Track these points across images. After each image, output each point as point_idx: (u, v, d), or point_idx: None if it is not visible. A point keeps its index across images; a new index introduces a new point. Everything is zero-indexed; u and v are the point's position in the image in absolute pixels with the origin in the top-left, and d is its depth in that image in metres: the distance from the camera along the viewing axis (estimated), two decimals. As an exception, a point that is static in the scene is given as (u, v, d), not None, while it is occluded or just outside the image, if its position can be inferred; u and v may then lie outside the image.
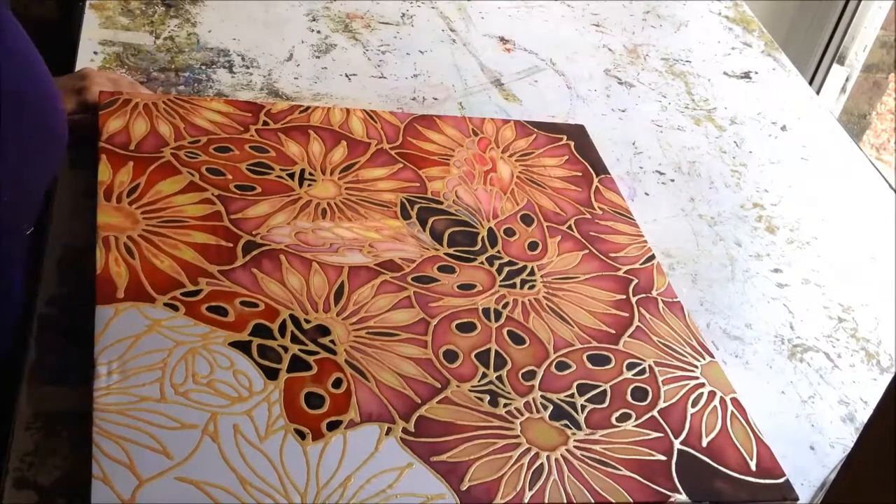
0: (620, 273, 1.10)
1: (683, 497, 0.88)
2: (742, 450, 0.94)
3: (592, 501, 0.86)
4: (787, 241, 1.27)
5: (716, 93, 1.52)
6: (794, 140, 1.46)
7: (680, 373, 1.00)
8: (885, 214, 1.36)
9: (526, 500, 0.85)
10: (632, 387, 0.97)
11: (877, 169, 1.45)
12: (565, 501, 0.85)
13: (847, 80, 2.33)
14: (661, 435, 0.93)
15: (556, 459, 0.89)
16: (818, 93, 2.23)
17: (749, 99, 1.52)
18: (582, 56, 1.52)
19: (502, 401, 0.93)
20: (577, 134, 1.30)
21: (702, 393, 0.99)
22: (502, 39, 1.51)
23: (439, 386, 0.92)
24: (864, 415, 1.06)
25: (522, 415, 0.92)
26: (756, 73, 1.59)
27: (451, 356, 0.96)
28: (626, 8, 1.68)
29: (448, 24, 1.51)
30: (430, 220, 1.10)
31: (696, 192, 1.30)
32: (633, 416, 0.95)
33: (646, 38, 1.61)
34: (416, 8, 1.53)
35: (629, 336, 1.03)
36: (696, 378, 1.00)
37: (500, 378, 0.95)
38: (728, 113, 1.48)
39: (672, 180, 1.31)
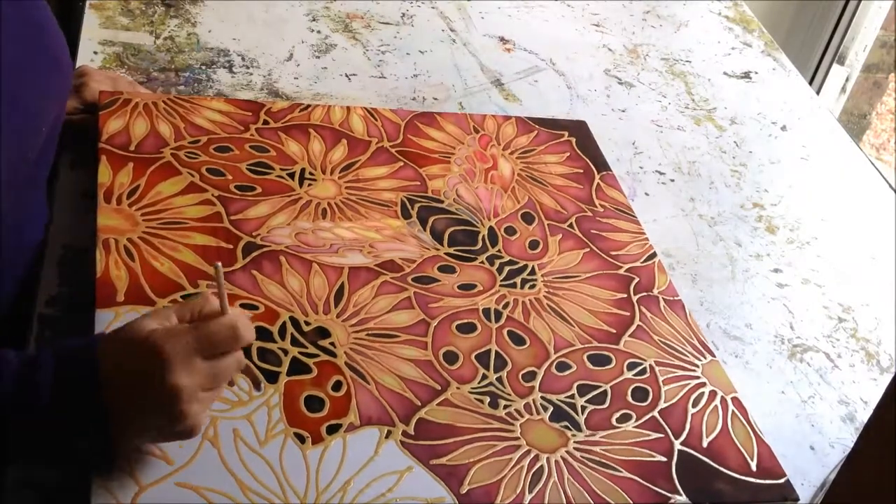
0: (621, 271, 1.10)
1: (683, 498, 0.88)
2: (743, 450, 0.94)
3: (592, 503, 0.86)
4: (787, 241, 1.27)
5: (716, 93, 1.51)
6: (794, 140, 1.46)
7: (681, 372, 1.00)
8: (885, 214, 1.36)
9: (525, 503, 0.85)
10: (632, 387, 0.97)
11: (877, 169, 1.44)
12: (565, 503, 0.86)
13: (847, 80, 2.33)
14: (661, 436, 0.93)
15: (556, 461, 0.89)
16: (818, 93, 2.23)
17: (749, 99, 1.52)
18: (582, 56, 1.52)
19: (502, 402, 0.93)
20: (579, 130, 1.30)
21: (703, 392, 0.99)
22: (502, 39, 1.51)
23: (439, 388, 0.92)
24: (864, 415, 1.06)
25: (522, 416, 0.92)
26: (756, 73, 1.59)
27: (451, 357, 0.96)
28: (626, 8, 1.68)
29: (448, 24, 1.51)
30: (431, 220, 1.10)
31: (696, 192, 1.30)
32: (634, 416, 0.95)
33: (646, 38, 1.61)
34: (416, 8, 1.53)
35: (630, 335, 1.03)
36: (697, 378, 1.00)
37: (500, 379, 0.95)
38: (728, 113, 1.48)
39: (672, 180, 1.31)
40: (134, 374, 0.74)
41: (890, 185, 1.42)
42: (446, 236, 1.09)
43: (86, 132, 1.10)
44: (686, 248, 1.21)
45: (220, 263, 0.78)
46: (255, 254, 1.01)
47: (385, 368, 0.93)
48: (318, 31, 1.42)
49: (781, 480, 0.92)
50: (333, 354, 0.93)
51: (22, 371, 0.74)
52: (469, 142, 1.23)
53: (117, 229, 0.99)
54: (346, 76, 1.34)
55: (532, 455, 0.89)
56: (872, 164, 1.46)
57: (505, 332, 1.00)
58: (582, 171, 1.24)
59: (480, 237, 1.10)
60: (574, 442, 0.91)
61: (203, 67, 1.29)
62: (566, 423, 0.92)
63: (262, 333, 0.93)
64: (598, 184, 1.22)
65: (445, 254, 1.07)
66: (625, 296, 1.07)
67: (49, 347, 0.76)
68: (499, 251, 1.09)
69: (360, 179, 1.13)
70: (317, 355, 0.92)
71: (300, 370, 0.90)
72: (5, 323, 0.94)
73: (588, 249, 1.12)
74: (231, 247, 1.01)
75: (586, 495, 0.86)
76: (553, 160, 1.24)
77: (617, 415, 0.94)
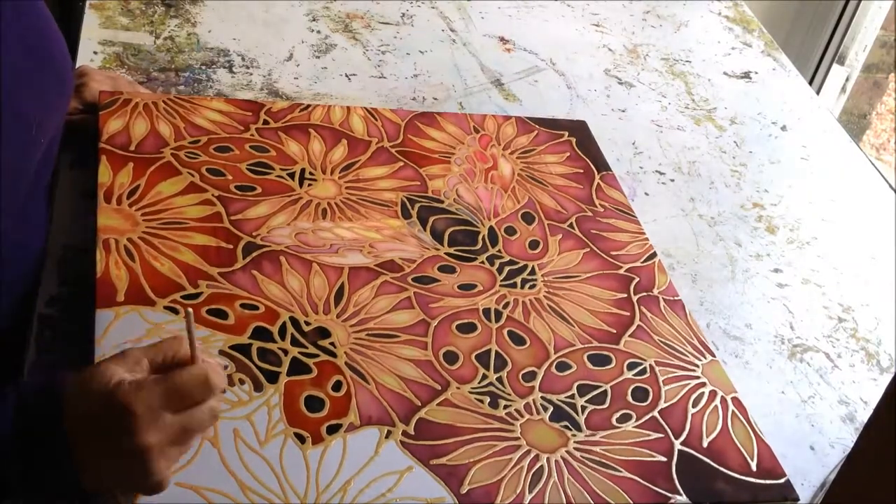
0: (621, 271, 1.10)
1: (684, 498, 0.88)
2: (743, 450, 0.94)
3: (592, 503, 0.86)
4: (787, 241, 1.27)
5: (716, 93, 1.51)
6: (794, 140, 1.46)
7: (681, 372, 1.00)
8: (885, 214, 1.36)
9: (525, 503, 0.85)
10: (632, 387, 0.97)
11: (877, 169, 1.44)
12: (565, 503, 0.86)
13: (847, 80, 2.33)
14: (661, 436, 0.93)
15: (556, 461, 0.89)
16: (818, 93, 2.23)
17: (749, 99, 1.52)
18: (582, 56, 1.52)
19: (502, 402, 0.93)
20: (579, 130, 1.30)
21: (703, 392, 0.99)
22: (502, 39, 1.51)
23: (439, 388, 0.92)
24: (864, 415, 1.06)
25: (522, 416, 0.92)
26: (756, 73, 1.59)
27: (451, 357, 0.96)
28: (626, 8, 1.68)
29: (448, 24, 1.51)
30: (431, 220, 1.10)
31: (696, 192, 1.30)
32: (634, 416, 0.95)
33: (646, 38, 1.61)
34: (416, 8, 1.53)
35: (630, 335, 1.03)
36: (698, 378, 1.00)
37: (500, 379, 0.95)
38: (728, 113, 1.48)
39: (672, 180, 1.31)
40: (99, 431, 0.71)
41: (890, 185, 1.42)
42: (446, 236, 1.09)
43: (86, 132, 1.10)
44: (686, 248, 1.21)
45: (190, 310, 0.75)
46: (255, 254, 1.01)
47: (385, 368, 0.93)
48: (318, 31, 1.42)
49: (781, 480, 0.92)
50: (333, 354, 0.93)
51: None
52: (469, 142, 1.23)
53: (117, 229, 0.99)
54: (346, 76, 1.34)
55: (532, 455, 0.89)
56: (872, 164, 1.46)
57: (505, 332, 1.00)
58: (582, 171, 1.24)
59: (480, 237, 1.10)
60: (574, 442, 0.91)
61: (203, 67, 1.29)
62: (566, 423, 0.92)
63: (263, 333, 0.93)
64: (598, 184, 1.22)
65: (445, 254, 1.07)
66: (625, 296, 1.07)
67: (13, 395, 0.73)
68: (499, 251, 1.09)
69: (361, 179, 1.13)
70: (317, 355, 0.92)
71: (300, 370, 0.90)
72: (5, 322, 0.94)
73: (588, 249, 1.12)
74: (231, 247, 1.01)
75: (586, 495, 0.86)
76: (553, 160, 1.24)
77: (617, 415, 0.94)
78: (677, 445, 0.93)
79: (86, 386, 0.72)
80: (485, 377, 0.95)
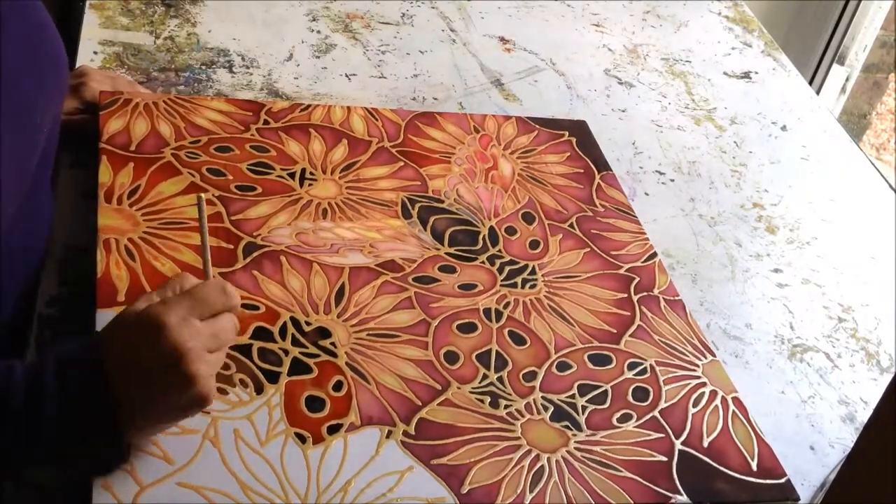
0: (622, 271, 1.10)
1: (684, 498, 0.88)
2: (743, 450, 0.94)
3: (593, 503, 0.86)
4: (787, 241, 1.27)
5: (716, 93, 1.51)
6: (794, 140, 1.46)
7: (681, 372, 1.00)
8: (885, 214, 1.36)
9: (526, 503, 0.85)
10: (633, 387, 0.98)
11: (877, 169, 1.44)
12: (566, 503, 0.86)
13: (847, 80, 2.33)
14: (662, 435, 0.94)
15: (557, 461, 0.89)
16: (818, 93, 2.23)
17: (749, 99, 1.52)
18: (582, 56, 1.52)
19: (503, 402, 0.93)
20: (579, 130, 1.30)
21: (703, 392, 0.99)
22: (502, 39, 1.51)
23: (440, 388, 0.92)
24: (864, 415, 1.06)
25: (523, 416, 0.92)
26: (756, 73, 1.59)
27: (451, 357, 0.96)
28: (626, 8, 1.68)
29: (448, 24, 1.51)
30: (431, 220, 1.10)
31: (696, 192, 1.30)
32: (634, 416, 0.95)
33: (646, 38, 1.61)
34: (416, 8, 1.53)
35: (630, 335, 1.03)
36: (698, 377, 1.00)
37: (500, 379, 0.95)
38: (728, 113, 1.48)
39: (672, 180, 1.31)
40: (137, 350, 0.75)
41: (890, 185, 1.42)
42: (447, 236, 1.09)
43: (86, 132, 1.10)
44: (686, 248, 1.21)
45: (202, 195, 0.83)
46: (255, 254, 1.01)
47: (386, 368, 0.93)
48: (318, 31, 1.42)
49: (782, 480, 0.93)
50: (334, 354, 0.93)
51: (27, 378, 0.74)
52: (469, 142, 1.23)
53: (118, 229, 0.99)
54: (346, 76, 1.34)
55: (533, 455, 0.89)
56: (872, 164, 1.46)
57: (505, 331, 1.00)
58: (582, 170, 1.24)
59: (481, 237, 1.10)
60: (575, 442, 0.91)
61: (203, 67, 1.29)
62: (567, 423, 0.92)
63: (263, 333, 0.93)
64: (599, 184, 1.22)
65: (446, 254, 1.07)
66: (625, 296, 1.08)
67: (52, 352, 0.76)
68: (499, 251, 1.09)
69: (361, 179, 1.13)
70: (317, 355, 0.92)
71: (301, 370, 0.90)
72: (5, 322, 0.94)
73: (588, 249, 1.12)
74: (232, 247, 1.01)
75: (587, 495, 0.86)
76: (553, 160, 1.24)
77: (618, 415, 0.94)
78: (678, 445, 0.93)
79: (116, 324, 0.78)
80: (485, 377, 0.95)
